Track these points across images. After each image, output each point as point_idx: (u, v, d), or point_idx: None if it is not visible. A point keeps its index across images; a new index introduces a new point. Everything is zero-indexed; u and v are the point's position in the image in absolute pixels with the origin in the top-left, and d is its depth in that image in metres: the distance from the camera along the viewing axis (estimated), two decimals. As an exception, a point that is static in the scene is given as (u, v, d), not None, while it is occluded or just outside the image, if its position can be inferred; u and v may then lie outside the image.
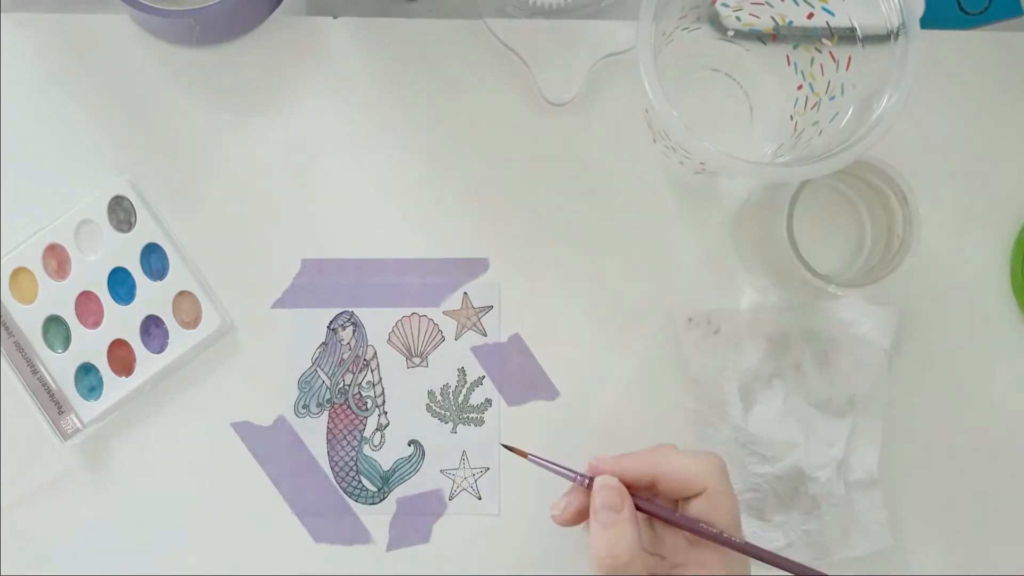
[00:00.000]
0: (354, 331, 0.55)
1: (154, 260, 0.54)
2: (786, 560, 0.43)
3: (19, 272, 0.54)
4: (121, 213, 0.54)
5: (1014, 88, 0.57)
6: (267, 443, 0.54)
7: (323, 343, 0.55)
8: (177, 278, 0.54)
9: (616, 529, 0.43)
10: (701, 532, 0.43)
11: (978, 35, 0.57)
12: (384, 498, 0.54)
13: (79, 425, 0.53)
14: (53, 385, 0.54)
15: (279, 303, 0.55)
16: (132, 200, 0.54)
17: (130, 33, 0.56)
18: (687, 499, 0.44)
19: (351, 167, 0.56)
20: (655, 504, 0.44)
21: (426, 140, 0.56)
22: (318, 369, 0.55)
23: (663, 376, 0.55)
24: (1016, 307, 0.55)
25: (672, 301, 0.55)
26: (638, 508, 0.44)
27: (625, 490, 0.44)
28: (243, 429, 0.54)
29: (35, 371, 0.53)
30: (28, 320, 0.54)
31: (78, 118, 0.56)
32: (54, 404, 0.53)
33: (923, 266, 0.53)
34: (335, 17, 0.57)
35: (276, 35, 0.56)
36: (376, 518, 0.54)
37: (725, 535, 0.43)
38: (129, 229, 0.54)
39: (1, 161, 0.55)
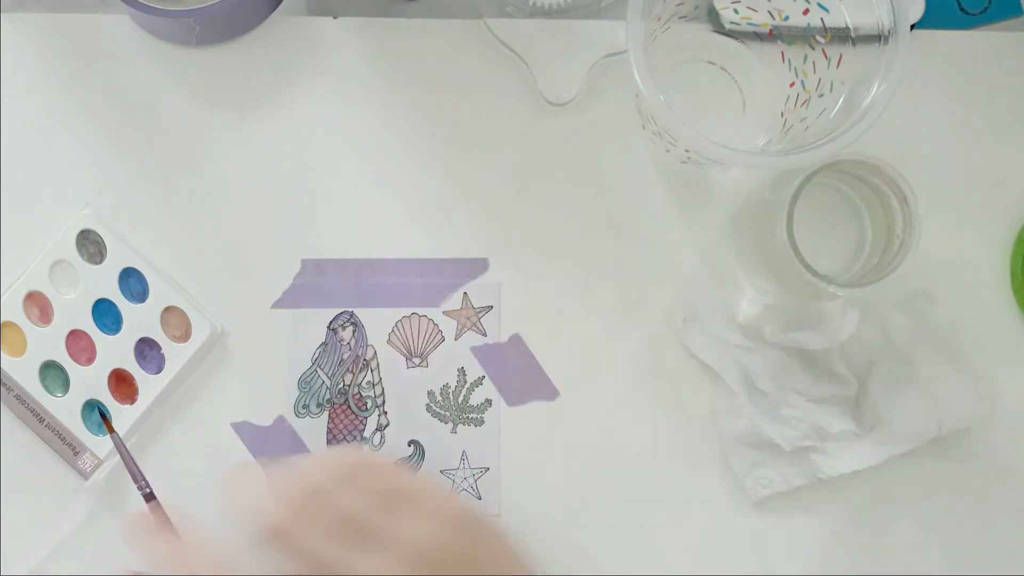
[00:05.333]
0: (354, 331, 0.55)
1: (133, 283, 0.54)
2: None
3: (5, 327, 0.54)
4: (91, 246, 0.54)
5: (1014, 88, 0.57)
6: (267, 443, 0.54)
7: (323, 343, 0.55)
8: (159, 295, 0.54)
9: None
10: None
11: (978, 35, 0.57)
12: (384, 498, 0.54)
13: (97, 461, 0.53)
14: (62, 429, 0.53)
15: (279, 303, 0.55)
16: (98, 231, 0.54)
17: (130, 33, 0.56)
18: None
19: (351, 167, 0.56)
20: None
21: (426, 140, 0.56)
22: (318, 369, 0.55)
23: (663, 376, 0.55)
24: (1016, 307, 0.55)
25: (672, 301, 0.55)
26: None
27: None
28: (243, 429, 0.54)
29: (42, 419, 0.53)
30: (24, 371, 0.54)
31: (69, 121, 0.56)
32: (67, 447, 0.53)
33: (923, 266, 0.53)
34: (335, 17, 0.57)
35: (276, 35, 0.56)
36: (376, 518, 0.54)
37: None
38: (101, 260, 0.54)
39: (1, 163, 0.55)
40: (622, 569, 0.53)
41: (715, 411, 0.54)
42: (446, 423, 0.55)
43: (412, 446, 0.54)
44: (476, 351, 0.55)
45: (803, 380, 0.53)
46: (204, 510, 0.53)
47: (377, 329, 0.55)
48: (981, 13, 0.58)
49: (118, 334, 0.54)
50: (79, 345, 0.54)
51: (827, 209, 0.55)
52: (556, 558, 0.53)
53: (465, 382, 0.55)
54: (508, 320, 0.55)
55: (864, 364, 0.54)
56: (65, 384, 0.54)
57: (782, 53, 0.53)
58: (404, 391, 0.55)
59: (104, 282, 0.54)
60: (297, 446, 0.54)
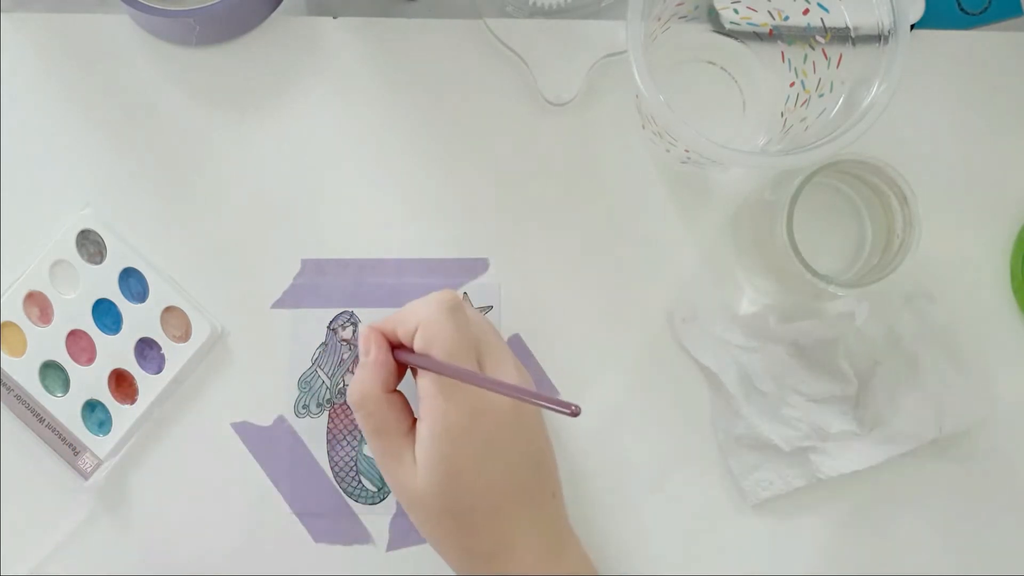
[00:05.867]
0: (354, 331, 0.55)
1: (133, 283, 0.54)
2: (511, 387, 0.44)
3: (5, 327, 0.54)
4: (91, 246, 0.54)
5: (1014, 88, 0.57)
6: (267, 443, 0.54)
7: (323, 343, 0.55)
8: (159, 295, 0.54)
9: (360, 371, 0.48)
10: (419, 364, 0.46)
11: (978, 35, 0.57)
12: (384, 498, 0.54)
13: (97, 461, 0.53)
14: (62, 429, 0.53)
15: (279, 303, 0.55)
16: (98, 231, 0.54)
17: (130, 33, 0.56)
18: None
19: (351, 167, 0.56)
20: (404, 353, 0.48)
21: (426, 140, 0.56)
22: (318, 369, 0.55)
23: (663, 376, 0.55)
24: (1016, 307, 0.55)
25: (672, 301, 0.55)
26: (397, 360, 0.48)
27: (375, 337, 0.48)
28: (243, 429, 0.54)
29: (42, 419, 0.53)
30: (24, 371, 0.54)
31: (69, 121, 0.56)
32: (67, 447, 0.53)
33: (923, 266, 0.53)
34: (335, 17, 0.57)
35: (276, 35, 0.56)
36: (376, 518, 0.54)
37: (446, 366, 0.45)
38: (101, 260, 0.54)
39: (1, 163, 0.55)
40: (622, 569, 0.53)
41: (714, 412, 0.54)
42: (446, 423, 0.54)
43: (412, 446, 0.54)
44: (476, 351, 0.55)
45: (803, 379, 0.53)
46: (203, 509, 0.54)
47: (377, 329, 0.55)
48: (981, 13, 0.57)
49: (118, 334, 0.54)
50: (79, 345, 0.54)
51: (827, 209, 0.55)
52: (556, 558, 0.54)
53: (465, 382, 0.55)
54: (508, 320, 0.55)
55: (868, 363, 0.54)
56: (65, 384, 0.54)
57: (782, 53, 0.53)
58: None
59: (104, 282, 0.54)
60: (297, 446, 0.54)
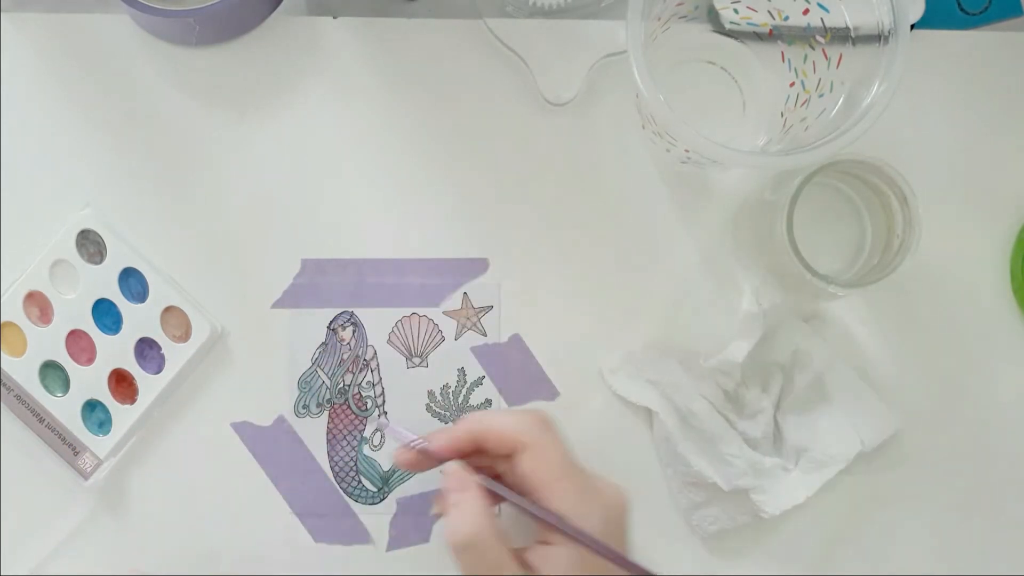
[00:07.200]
0: (354, 331, 0.55)
1: (133, 283, 0.54)
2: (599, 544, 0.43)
3: (5, 327, 0.54)
4: (91, 246, 0.54)
5: (1014, 88, 0.57)
6: (267, 443, 0.54)
7: (323, 343, 0.55)
8: (159, 295, 0.54)
9: (464, 506, 0.44)
10: (534, 515, 0.44)
11: (978, 35, 0.57)
12: (384, 498, 0.54)
13: (97, 461, 0.53)
14: (62, 429, 0.53)
15: (279, 303, 0.55)
16: (98, 231, 0.54)
17: (130, 33, 0.56)
18: (515, 458, 0.45)
19: (351, 167, 0.56)
20: (502, 487, 0.45)
21: (426, 140, 0.56)
22: (318, 369, 0.55)
23: (663, 376, 0.55)
24: (1016, 307, 0.55)
25: (672, 301, 0.55)
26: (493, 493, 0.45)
27: (465, 473, 0.45)
28: (243, 429, 0.54)
29: (41, 419, 0.53)
30: (24, 371, 0.54)
31: (69, 121, 0.56)
32: (67, 447, 0.53)
33: (923, 266, 0.53)
34: (335, 17, 0.57)
35: (276, 35, 0.56)
36: (376, 518, 0.54)
37: (567, 526, 0.43)
38: (101, 260, 0.54)
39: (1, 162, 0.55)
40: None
41: (657, 450, 0.54)
42: (446, 423, 0.55)
43: (412, 446, 0.55)
44: (476, 351, 0.55)
45: (733, 417, 0.53)
46: (203, 509, 0.54)
47: (377, 329, 0.55)
48: (981, 13, 0.57)
49: (118, 334, 0.54)
50: (79, 345, 0.54)
51: (827, 209, 0.55)
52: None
53: (465, 382, 0.55)
54: (508, 320, 0.55)
55: (775, 392, 0.54)
56: (65, 384, 0.54)
57: (782, 53, 0.53)
58: (404, 391, 0.55)
59: (104, 282, 0.54)
60: (297, 446, 0.54)
